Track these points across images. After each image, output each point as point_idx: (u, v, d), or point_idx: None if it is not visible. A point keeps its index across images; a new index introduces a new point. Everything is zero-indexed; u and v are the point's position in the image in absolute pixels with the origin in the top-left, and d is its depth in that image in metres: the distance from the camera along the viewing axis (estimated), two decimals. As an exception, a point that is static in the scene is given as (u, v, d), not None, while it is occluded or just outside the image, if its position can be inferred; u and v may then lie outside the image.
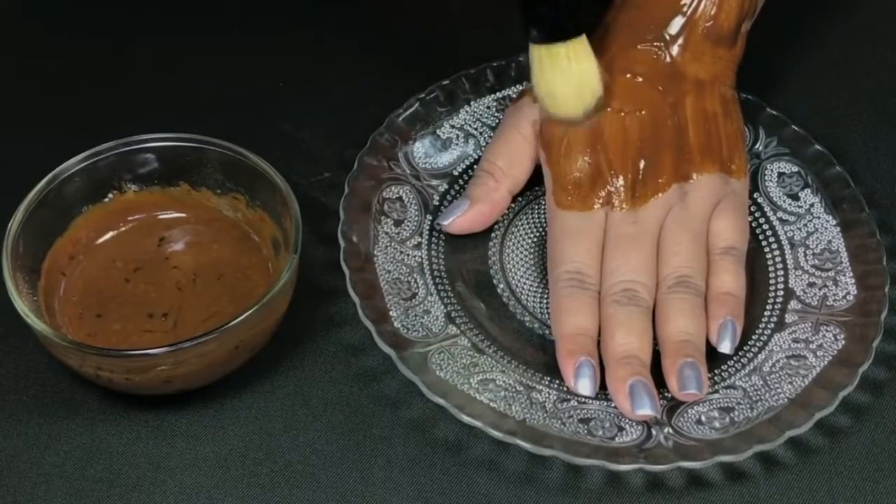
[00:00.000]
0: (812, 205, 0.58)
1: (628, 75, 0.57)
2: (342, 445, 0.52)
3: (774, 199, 0.59)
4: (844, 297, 0.55)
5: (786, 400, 0.52)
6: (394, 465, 0.51)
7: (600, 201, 0.55)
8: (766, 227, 0.58)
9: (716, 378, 0.53)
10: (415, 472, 0.51)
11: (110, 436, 0.52)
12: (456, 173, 0.60)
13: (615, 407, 0.52)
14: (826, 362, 0.53)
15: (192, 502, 0.50)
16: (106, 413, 0.52)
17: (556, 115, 0.56)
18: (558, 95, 0.55)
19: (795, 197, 0.59)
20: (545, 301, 0.56)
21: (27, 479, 0.51)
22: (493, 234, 0.58)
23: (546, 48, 0.54)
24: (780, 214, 0.59)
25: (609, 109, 0.56)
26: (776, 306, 0.56)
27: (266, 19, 0.66)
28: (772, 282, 0.56)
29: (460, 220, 0.57)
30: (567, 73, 0.54)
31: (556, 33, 0.54)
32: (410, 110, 0.60)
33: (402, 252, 0.57)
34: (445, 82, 0.61)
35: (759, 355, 0.54)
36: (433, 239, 0.57)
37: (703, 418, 0.52)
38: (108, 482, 0.51)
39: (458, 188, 0.59)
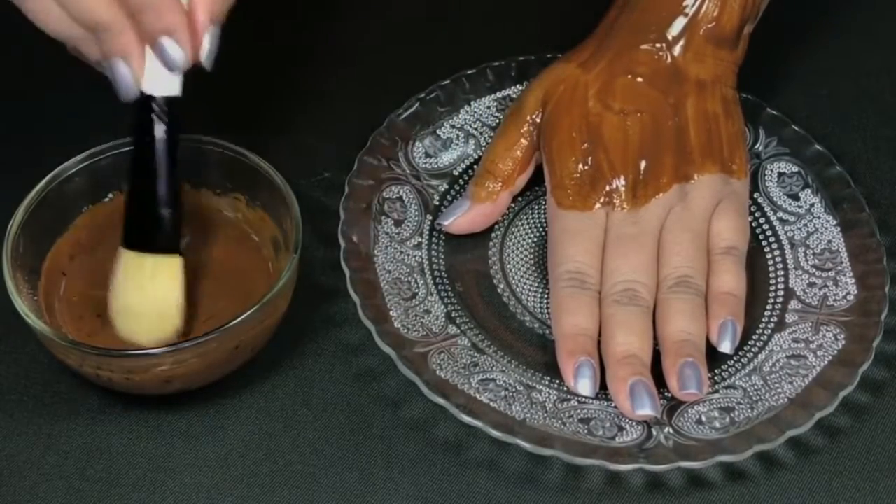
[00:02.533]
0: (812, 205, 0.58)
1: (629, 76, 0.57)
2: (342, 445, 0.52)
3: (775, 199, 0.59)
4: (845, 297, 0.55)
5: (786, 400, 0.52)
6: (394, 465, 0.51)
7: (601, 201, 0.55)
8: (766, 227, 0.58)
9: (716, 378, 0.53)
10: (415, 472, 0.51)
11: (110, 436, 0.52)
12: (456, 173, 0.60)
13: (615, 407, 0.52)
14: (826, 362, 0.53)
15: (192, 502, 0.50)
16: (106, 413, 0.52)
17: (121, 333, 0.50)
18: (131, 312, 0.50)
19: (795, 197, 0.59)
20: (545, 301, 0.56)
21: (27, 479, 0.51)
22: (493, 234, 0.58)
23: (135, 256, 0.50)
24: (780, 214, 0.59)
25: (611, 110, 0.56)
26: (776, 306, 0.56)
27: (266, 19, 0.66)
28: (772, 282, 0.56)
29: (461, 220, 0.57)
30: (147, 291, 0.50)
31: (152, 242, 0.49)
32: (410, 110, 0.60)
33: (402, 252, 0.57)
34: (445, 82, 0.61)
35: (760, 355, 0.54)
36: (433, 239, 0.57)
37: (703, 418, 0.52)
38: (108, 482, 0.51)
39: (458, 188, 0.59)
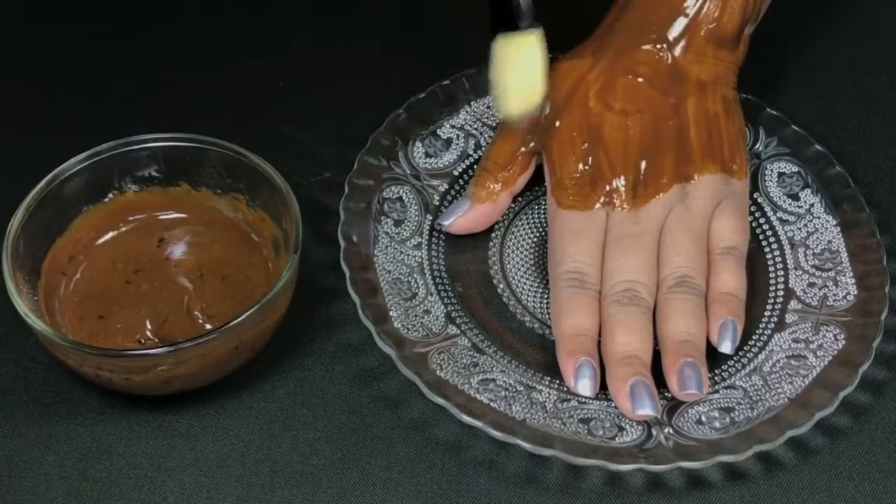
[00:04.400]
0: (812, 205, 0.58)
1: (630, 76, 0.57)
2: (342, 445, 0.52)
3: (774, 199, 0.59)
4: (844, 297, 0.55)
5: (786, 400, 0.52)
6: (394, 465, 0.51)
7: (601, 201, 0.55)
8: (766, 227, 0.58)
9: (716, 378, 0.53)
10: (415, 472, 0.51)
11: (110, 436, 0.52)
12: (456, 173, 0.60)
13: (615, 407, 0.52)
14: (826, 362, 0.53)
15: (192, 502, 0.50)
16: (106, 413, 0.52)
17: (499, 113, 0.56)
18: (505, 90, 0.55)
19: (795, 197, 0.59)
20: (545, 301, 0.56)
21: (27, 479, 0.51)
22: (493, 234, 0.58)
23: (504, 39, 0.54)
24: (780, 214, 0.59)
25: (611, 110, 0.56)
26: (776, 306, 0.56)
27: (266, 19, 0.66)
28: (772, 282, 0.57)
29: (461, 220, 0.57)
30: (516, 66, 0.55)
31: (515, 22, 0.54)
32: (410, 110, 0.60)
33: (402, 252, 0.57)
34: (445, 82, 0.61)
35: (760, 355, 0.54)
36: (433, 239, 0.57)
37: (703, 418, 0.52)
38: (108, 482, 0.51)
39: (458, 188, 0.59)
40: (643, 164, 0.55)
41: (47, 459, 0.51)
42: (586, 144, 0.56)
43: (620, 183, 0.55)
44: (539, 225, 0.58)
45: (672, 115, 0.56)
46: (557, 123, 0.56)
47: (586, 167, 0.56)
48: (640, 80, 0.56)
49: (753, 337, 0.55)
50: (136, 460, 0.51)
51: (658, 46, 0.57)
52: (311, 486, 0.51)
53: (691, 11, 0.56)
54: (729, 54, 0.57)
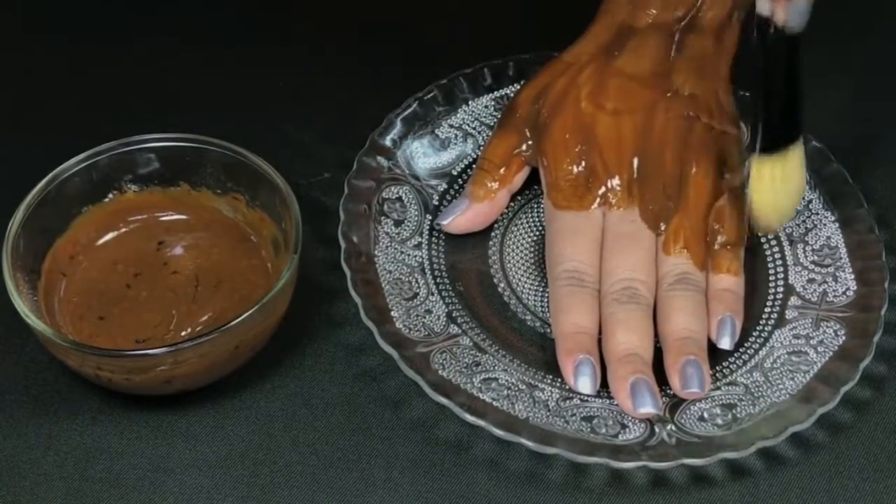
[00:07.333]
0: (810, 201, 0.58)
1: (621, 75, 0.57)
2: (342, 445, 0.52)
3: (773, 195, 0.59)
4: (844, 292, 0.55)
5: (787, 396, 0.52)
6: (394, 465, 0.51)
7: (597, 201, 0.55)
8: (765, 223, 0.58)
9: (717, 375, 0.53)
10: (415, 472, 0.51)
11: (110, 436, 0.52)
12: (455, 173, 0.60)
13: (618, 405, 0.52)
14: (827, 358, 0.53)
15: (192, 502, 0.50)
16: (106, 413, 0.52)
17: (769, 227, 0.56)
18: (781, 205, 0.54)
19: (794, 193, 0.59)
20: (546, 300, 0.56)
21: (27, 479, 0.50)
22: (492, 234, 0.58)
23: (782, 158, 0.53)
24: (778, 211, 0.59)
25: (603, 110, 0.56)
26: (776, 302, 0.56)
27: (266, 19, 0.66)
28: (771, 278, 0.56)
29: (460, 219, 0.57)
30: (792, 179, 0.54)
31: (791, 136, 0.53)
32: (409, 110, 0.60)
33: (402, 252, 0.57)
34: (443, 82, 0.61)
35: (761, 351, 0.54)
36: (433, 239, 0.57)
37: (705, 415, 0.52)
38: (108, 482, 0.50)
39: (457, 188, 0.59)
40: (637, 163, 0.55)
41: (47, 459, 0.51)
42: (579, 146, 0.56)
43: (615, 183, 0.55)
44: (538, 223, 0.58)
45: (665, 112, 0.56)
46: (550, 126, 0.56)
47: (580, 169, 0.56)
48: (631, 78, 0.56)
49: (754, 333, 0.55)
50: (136, 460, 0.51)
51: (648, 43, 0.57)
52: (311, 486, 0.51)
53: (679, 6, 0.56)
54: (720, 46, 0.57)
